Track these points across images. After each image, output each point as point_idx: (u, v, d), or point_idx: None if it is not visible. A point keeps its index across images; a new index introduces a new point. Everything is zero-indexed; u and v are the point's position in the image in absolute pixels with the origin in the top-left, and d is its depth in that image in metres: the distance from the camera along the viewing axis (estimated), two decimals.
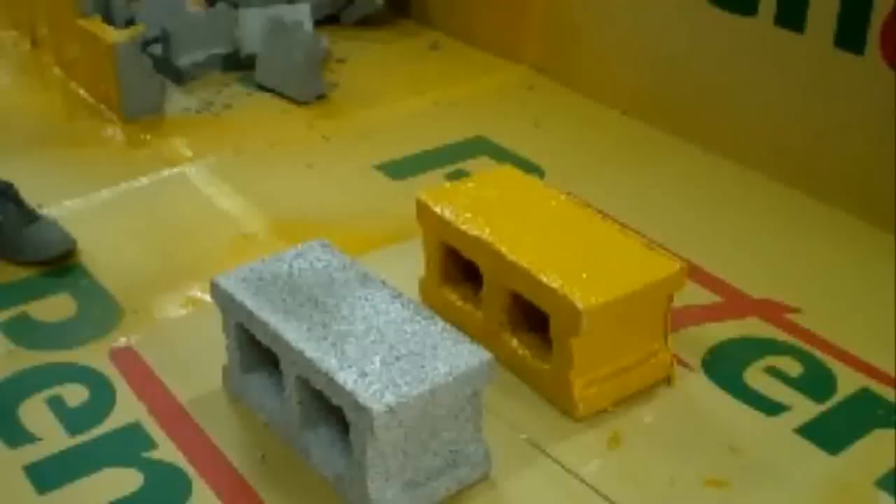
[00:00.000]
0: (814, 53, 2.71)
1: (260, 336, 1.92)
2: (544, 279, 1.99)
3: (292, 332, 1.84)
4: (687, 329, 2.27)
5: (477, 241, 2.12)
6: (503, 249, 2.07)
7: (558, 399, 2.06)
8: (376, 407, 1.67)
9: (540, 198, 2.27)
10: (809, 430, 2.03)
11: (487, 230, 2.12)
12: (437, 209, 2.21)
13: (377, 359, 1.78)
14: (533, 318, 2.09)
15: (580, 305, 1.93)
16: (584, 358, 2.00)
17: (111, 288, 2.42)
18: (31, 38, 3.67)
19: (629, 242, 2.12)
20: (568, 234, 2.14)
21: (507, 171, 2.41)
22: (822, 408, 2.09)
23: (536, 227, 2.16)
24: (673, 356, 2.14)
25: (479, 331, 2.14)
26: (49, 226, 2.51)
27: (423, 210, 2.24)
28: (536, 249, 2.07)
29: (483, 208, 2.20)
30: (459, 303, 2.25)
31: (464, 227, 2.15)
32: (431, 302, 2.29)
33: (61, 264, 2.47)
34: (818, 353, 2.23)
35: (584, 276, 2.00)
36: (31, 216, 2.50)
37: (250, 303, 1.92)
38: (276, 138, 3.11)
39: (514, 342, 2.14)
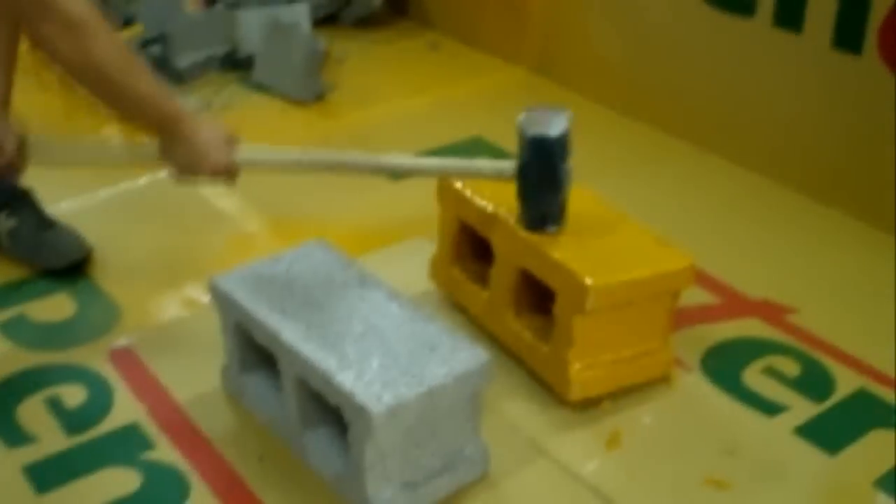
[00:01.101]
0: (812, 54, 2.71)
1: (258, 336, 1.92)
2: (553, 254, 2.02)
3: (291, 333, 1.84)
4: (686, 329, 2.27)
5: (492, 217, 2.15)
6: (516, 225, 2.09)
7: (554, 380, 2.07)
8: (375, 407, 1.67)
9: None
10: (808, 431, 2.03)
11: (503, 207, 2.15)
12: (457, 185, 2.24)
13: (376, 359, 1.78)
14: (540, 298, 2.10)
15: (588, 281, 1.94)
16: (584, 339, 2.01)
17: (110, 288, 2.42)
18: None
19: (642, 235, 2.14)
20: (584, 221, 2.15)
21: None
22: (821, 408, 2.09)
23: None
24: (672, 356, 2.14)
25: (485, 310, 2.20)
26: (65, 233, 2.48)
27: (442, 187, 2.28)
28: None
29: (502, 187, 2.21)
30: (467, 282, 2.28)
31: (481, 203, 2.18)
32: (440, 280, 2.34)
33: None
34: (817, 354, 2.23)
35: (594, 257, 2.03)
36: (47, 222, 2.49)
37: (248, 303, 1.92)
38: (276, 138, 3.10)
39: (518, 322, 2.16)
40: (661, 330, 2.12)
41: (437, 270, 2.36)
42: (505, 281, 2.16)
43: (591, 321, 2.00)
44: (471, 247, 2.28)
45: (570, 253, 2.02)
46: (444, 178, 2.28)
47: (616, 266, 2.02)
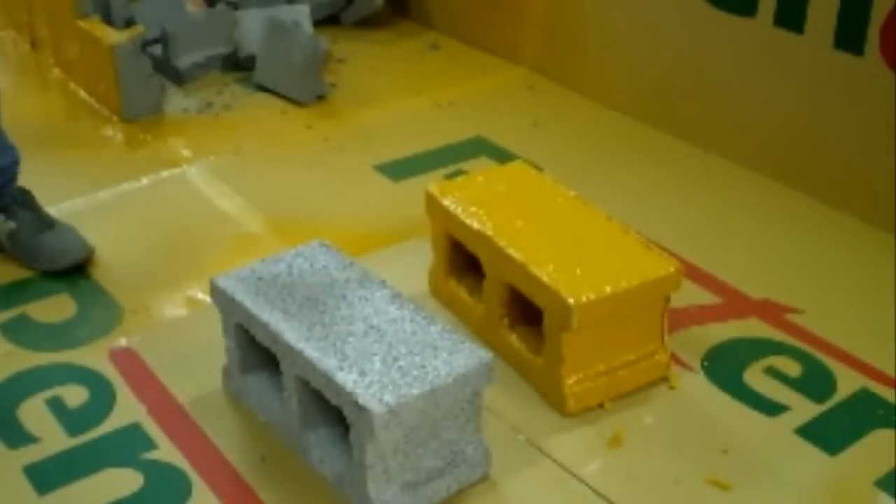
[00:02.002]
0: (813, 54, 2.71)
1: (259, 336, 1.92)
2: (538, 274, 2.01)
3: (292, 333, 1.84)
4: (687, 329, 2.27)
5: (478, 234, 2.14)
6: (501, 243, 2.09)
7: (550, 394, 2.07)
8: (376, 407, 1.67)
9: (547, 195, 2.28)
10: (809, 431, 2.03)
11: (489, 224, 2.14)
12: (444, 202, 2.23)
13: (377, 359, 1.78)
14: (533, 312, 2.10)
15: (571, 301, 1.94)
16: (575, 354, 2.01)
17: (111, 288, 2.41)
18: (30, 38, 3.67)
19: (629, 241, 2.13)
20: (569, 231, 2.16)
21: (518, 167, 2.43)
22: (822, 408, 2.09)
23: (539, 223, 2.17)
24: (670, 357, 2.14)
25: (481, 323, 2.18)
26: (65, 233, 2.48)
27: (431, 202, 2.27)
28: (535, 245, 2.08)
29: (489, 203, 2.21)
30: (464, 295, 2.27)
31: (467, 221, 2.17)
32: (439, 293, 2.33)
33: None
34: (818, 354, 2.23)
35: (579, 272, 2.01)
36: (47, 223, 2.48)
37: (250, 303, 1.92)
38: (276, 139, 3.11)
39: (512, 336, 2.16)
40: (657, 332, 2.11)
41: (435, 284, 2.36)
42: (496, 296, 2.15)
43: (581, 336, 2.00)
44: (464, 260, 2.27)
45: (554, 269, 2.01)
46: (431, 193, 2.25)
47: (601, 278, 2.00)
